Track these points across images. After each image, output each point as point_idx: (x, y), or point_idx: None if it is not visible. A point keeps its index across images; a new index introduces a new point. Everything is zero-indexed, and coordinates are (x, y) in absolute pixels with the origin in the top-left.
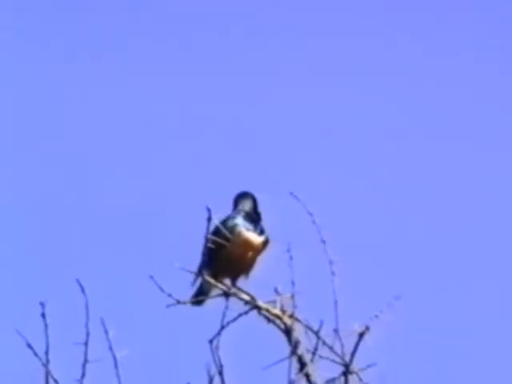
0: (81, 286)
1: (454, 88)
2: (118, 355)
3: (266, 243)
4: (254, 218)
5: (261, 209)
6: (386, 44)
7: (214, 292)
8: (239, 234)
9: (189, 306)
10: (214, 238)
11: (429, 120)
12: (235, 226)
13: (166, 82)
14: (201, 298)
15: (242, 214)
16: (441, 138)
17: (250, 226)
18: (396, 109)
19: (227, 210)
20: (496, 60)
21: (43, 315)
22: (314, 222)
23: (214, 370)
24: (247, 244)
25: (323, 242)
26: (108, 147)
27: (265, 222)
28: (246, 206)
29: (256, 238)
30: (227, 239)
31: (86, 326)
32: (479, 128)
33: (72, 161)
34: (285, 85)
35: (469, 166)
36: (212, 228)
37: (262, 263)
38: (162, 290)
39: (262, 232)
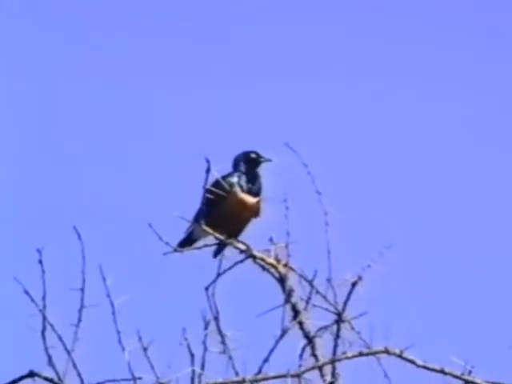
0: (77, 232)
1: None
2: (115, 302)
3: (259, 203)
4: (251, 177)
5: (261, 168)
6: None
7: (210, 240)
8: (234, 195)
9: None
10: (212, 189)
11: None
12: (231, 185)
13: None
14: (191, 241)
15: (239, 173)
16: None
17: (246, 187)
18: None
19: (225, 161)
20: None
21: (40, 262)
22: (309, 173)
23: (209, 316)
24: (241, 204)
25: (318, 193)
26: (111, 101)
27: (262, 181)
28: (245, 166)
29: (250, 199)
30: (223, 196)
31: (83, 272)
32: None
33: (72, 115)
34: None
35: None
36: (211, 181)
37: (255, 222)
38: (160, 237)
39: (257, 193)
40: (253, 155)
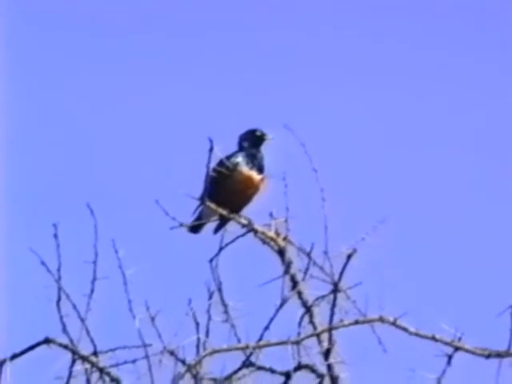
0: (90, 209)
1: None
2: (126, 273)
3: (263, 180)
4: (255, 155)
5: (264, 146)
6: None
7: (214, 217)
8: (240, 172)
9: (186, 231)
10: (217, 169)
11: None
12: (237, 164)
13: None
14: (201, 221)
15: (244, 152)
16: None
17: (251, 164)
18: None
19: (227, 140)
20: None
21: (55, 236)
22: (306, 152)
23: (213, 287)
24: (248, 181)
25: (315, 170)
26: (120, 74)
27: (265, 158)
28: (250, 143)
29: (256, 176)
30: (229, 175)
31: (95, 246)
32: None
33: (82, 89)
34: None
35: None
36: (215, 160)
37: (258, 198)
38: (166, 213)
39: (261, 170)
40: (258, 133)
